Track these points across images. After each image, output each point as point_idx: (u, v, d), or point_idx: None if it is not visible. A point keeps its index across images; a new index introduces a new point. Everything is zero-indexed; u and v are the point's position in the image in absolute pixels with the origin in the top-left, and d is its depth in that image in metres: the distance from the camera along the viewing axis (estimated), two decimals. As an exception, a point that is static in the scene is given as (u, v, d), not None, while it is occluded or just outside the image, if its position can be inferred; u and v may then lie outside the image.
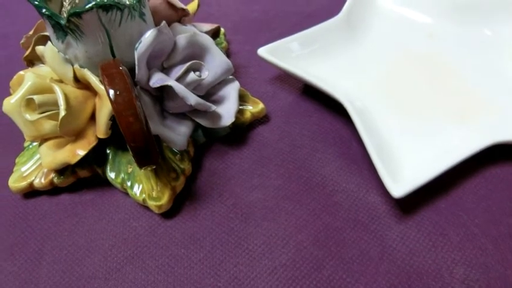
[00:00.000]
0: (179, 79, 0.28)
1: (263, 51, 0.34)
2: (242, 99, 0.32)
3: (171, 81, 0.27)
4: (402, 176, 0.26)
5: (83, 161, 0.28)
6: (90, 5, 0.24)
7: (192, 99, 0.27)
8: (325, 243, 0.26)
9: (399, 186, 0.25)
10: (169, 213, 0.28)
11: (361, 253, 0.25)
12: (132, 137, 0.23)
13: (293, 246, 0.26)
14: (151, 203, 0.27)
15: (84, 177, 0.30)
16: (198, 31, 0.30)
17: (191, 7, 0.34)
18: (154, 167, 0.25)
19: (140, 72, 0.26)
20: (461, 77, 0.34)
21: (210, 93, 0.31)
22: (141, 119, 0.23)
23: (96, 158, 0.29)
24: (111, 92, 0.22)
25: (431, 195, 0.28)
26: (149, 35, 0.26)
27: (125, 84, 0.22)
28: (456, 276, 0.24)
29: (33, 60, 0.31)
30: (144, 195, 0.27)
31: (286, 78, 0.37)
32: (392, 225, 0.26)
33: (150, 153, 0.24)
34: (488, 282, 0.23)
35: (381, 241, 0.26)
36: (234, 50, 0.41)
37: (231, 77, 0.31)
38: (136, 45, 0.26)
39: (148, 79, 0.27)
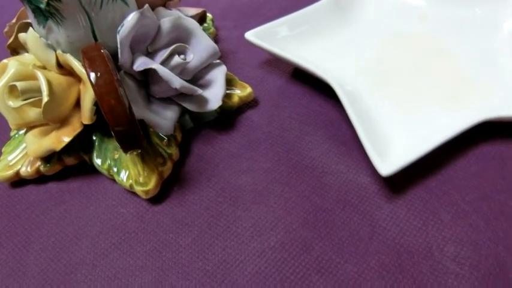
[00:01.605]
0: (164, 63, 0.27)
1: (250, 35, 0.34)
2: (230, 83, 0.32)
3: (155, 65, 0.26)
4: (391, 154, 0.26)
5: (69, 148, 0.28)
6: (69, -13, 0.24)
7: (177, 82, 0.27)
8: (314, 224, 0.26)
9: (387, 164, 0.25)
10: (157, 199, 0.28)
11: (350, 234, 0.25)
12: (114, 121, 0.22)
13: (282, 228, 0.26)
14: (138, 189, 0.27)
15: (71, 165, 0.29)
16: (183, 15, 0.30)
17: (176, -9, 0.34)
18: (139, 151, 0.25)
19: (123, 56, 0.26)
20: (452, 58, 0.34)
21: (197, 77, 0.31)
22: (124, 102, 0.22)
23: (82, 144, 0.29)
24: (92, 74, 0.22)
25: (422, 174, 0.27)
26: (131, 18, 0.26)
27: (106, 67, 0.22)
28: (447, 254, 0.24)
29: (17, 49, 0.31)
30: (131, 181, 0.27)
31: (275, 63, 0.37)
32: (382, 205, 0.26)
33: (135, 137, 0.23)
34: (479, 259, 0.23)
35: (371, 221, 0.25)
36: (223, 36, 0.40)
37: (218, 61, 0.31)
38: (119, 28, 0.26)
39: (132, 63, 0.27)
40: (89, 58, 0.22)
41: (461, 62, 0.33)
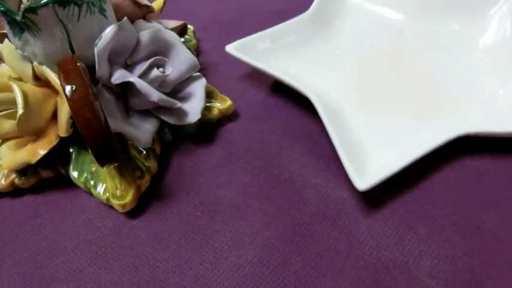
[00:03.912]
0: (142, 75, 0.27)
1: (231, 48, 0.34)
2: (210, 96, 0.32)
3: (132, 78, 0.26)
4: (368, 169, 0.26)
5: (46, 161, 0.28)
6: (45, 0, 0.23)
7: (155, 95, 0.26)
8: (292, 239, 0.26)
9: (364, 179, 0.25)
10: (134, 213, 0.27)
11: (328, 248, 0.25)
12: (89, 134, 0.22)
13: (260, 242, 0.25)
14: (115, 202, 0.26)
15: (47, 178, 0.29)
16: (164, 28, 0.30)
17: (156, 4, 0.33)
18: (116, 164, 0.25)
19: (101, 68, 0.26)
20: (429, 73, 0.34)
21: (177, 90, 0.30)
22: (100, 116, 0.22)
23: (58, 157, 0.28)
24: (67, 88, 0.22)
25: (399, 188, 0.27)
26: (109, 31, 0.26)
27: (81, 80, 0.22)
28: (423, 269, 0.24)
29: (-8, 59, 0.30)
30: (107, 194, 0.27)
31: (256, 76, 0.37)
32: (360, 219, 0.26)
33: (111, 151, 0.23)
34: (455, 274, 0.23)
35: (349, 235, 0.25)
36: (205, 48, 0.40)
37: (198, 73, 0.31)
38: (96, 41, 0.25)
39: (110, 76, 0.27)
40: (64, 71, 0.22)
41: (439, 77, 0.34)
